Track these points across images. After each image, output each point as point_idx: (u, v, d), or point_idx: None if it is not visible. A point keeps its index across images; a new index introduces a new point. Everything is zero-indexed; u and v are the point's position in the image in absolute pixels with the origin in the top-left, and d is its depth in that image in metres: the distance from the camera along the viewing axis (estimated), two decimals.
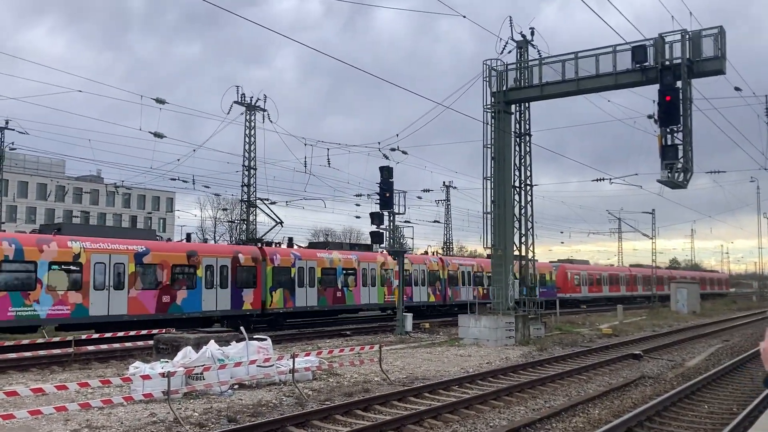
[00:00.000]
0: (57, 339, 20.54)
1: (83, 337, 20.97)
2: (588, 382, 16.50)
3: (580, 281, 57.93)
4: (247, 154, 42.83)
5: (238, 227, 46.96)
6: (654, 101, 22.88)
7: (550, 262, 59.51)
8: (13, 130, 42.10)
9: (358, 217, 63.98)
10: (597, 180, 41.60)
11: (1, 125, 41.98)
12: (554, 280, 52.88)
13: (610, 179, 40.40)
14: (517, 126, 28.16)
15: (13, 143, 43.22)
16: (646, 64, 23.74)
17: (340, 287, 34.19)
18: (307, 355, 16.46)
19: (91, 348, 20.63)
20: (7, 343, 19.51)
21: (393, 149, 34.27)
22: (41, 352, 19.44)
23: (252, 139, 42.91)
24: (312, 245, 38.32)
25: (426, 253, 46.25)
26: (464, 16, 20.11)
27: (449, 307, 41.56)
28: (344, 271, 34.59)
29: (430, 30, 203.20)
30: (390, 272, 37.09)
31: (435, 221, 68.94)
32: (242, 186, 43.02)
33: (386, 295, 37.09)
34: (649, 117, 23.89)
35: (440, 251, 73.29)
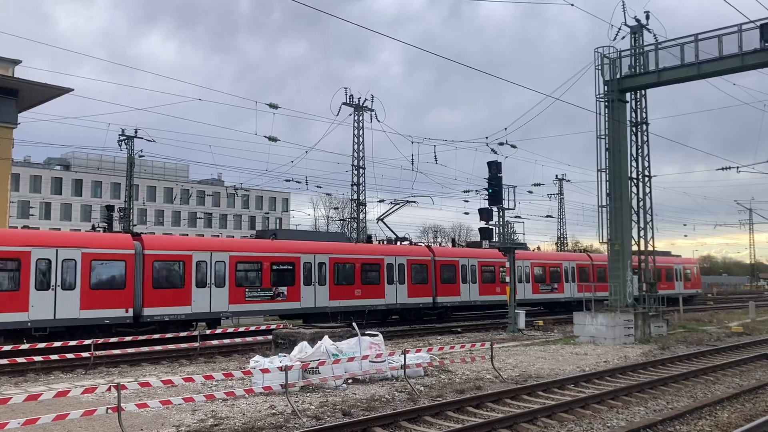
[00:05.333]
0: (184, 334, 21.88)
1: (207, 332, 22.25)
2: (716, 383, 15.55)
3: None
4: (355, 154, 43.76)
5: (349, 225, 48.04)
6: None
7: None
8: (142, 138, 45.42)
9: (466, 213, 64.02)
10: (723, 168, 38.94)
11: (131, 134, 45.27)
12: None
13: (737, 167, 37.94)
14: (633, 114, 27.00)
15: (141, 150, 46.67)
16: None
17: None
18: (418, 351, 16.55)
19: (215, 342, 21.83)
20: (140, 338, 20.95)
21: (501, 143, 33.91)
22: (170, 346, 20.76)
23: (360, 139, 43.83)
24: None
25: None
26: (572, 4, 19.40)
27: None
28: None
29: (539, 13, 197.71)
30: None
31: (547, 216, 67.39)
32: (352, 185, 44.00)
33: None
34: None
35: (555, 246, 71.54)
